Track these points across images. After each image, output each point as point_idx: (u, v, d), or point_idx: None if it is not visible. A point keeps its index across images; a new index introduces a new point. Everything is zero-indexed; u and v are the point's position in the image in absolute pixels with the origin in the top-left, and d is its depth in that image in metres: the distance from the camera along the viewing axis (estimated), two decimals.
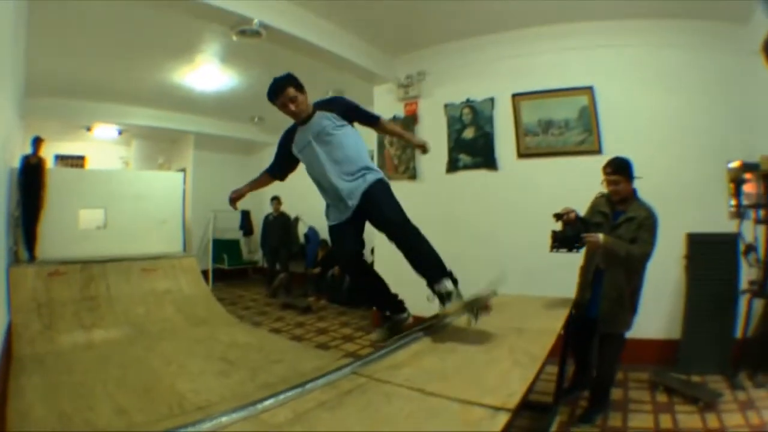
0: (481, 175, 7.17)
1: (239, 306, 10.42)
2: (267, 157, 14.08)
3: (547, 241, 4.18)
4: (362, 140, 3.82)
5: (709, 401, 4.45)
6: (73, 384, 5.06)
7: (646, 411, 4.45)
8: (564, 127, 6.34)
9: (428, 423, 1.79)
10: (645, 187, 4.47)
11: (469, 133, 7.25)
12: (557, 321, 3.52)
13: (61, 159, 13.92)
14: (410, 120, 7.92)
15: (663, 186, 5.27)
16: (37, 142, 8.47)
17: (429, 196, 7.61)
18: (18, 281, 6.87)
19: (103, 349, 6.34)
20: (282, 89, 3.58)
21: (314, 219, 12.21)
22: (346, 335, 8.01)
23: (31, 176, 8.21)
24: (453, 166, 7.48)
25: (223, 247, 13.76)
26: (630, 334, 4.56)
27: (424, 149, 4.14)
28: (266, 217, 12.05)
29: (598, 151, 6.08)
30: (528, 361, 2.46)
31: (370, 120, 3.95)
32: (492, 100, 7.00)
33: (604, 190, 4.42)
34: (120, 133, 13.78)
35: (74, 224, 9.22)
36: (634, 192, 4.27)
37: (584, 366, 4.91)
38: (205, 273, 9.65)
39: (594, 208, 4.50)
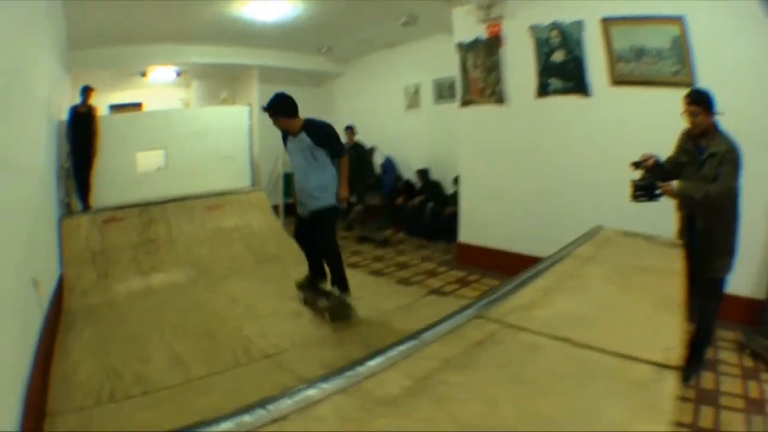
0: (573, 100, 6.55)
1: None
2: (337, 89, 13.86)
3: (628, 190, 4.06)
4: (329, 170, 5.00)
5: None
6: (126, 335, 4.69)
7: (735, 375, 4.18)
8: (657, 56, 5.77)
9: (590, 386, 1.44)
10: (736, 127, 4.10)
11: (558, 57, 6.66)
12: (676, 261, 3.14)
13: (116, 108, 13.52)
14: (493, 42, 7.31)
15: (756, 128, 4.94)
16: (86, 91, 8.02)
17: (516, 123, 7.18)
18: (70, 233, 6.52)
19: (162, 295, 5.96)
20: (271, 113, 4.97)
21: (391, 148, 11.75)
22: (428, 270, 7.54)
23: (81, 125, 7.82)
24: (543, 90, 6.85)
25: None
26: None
27: (341, 196, 5.12)
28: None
29: (692, 84, 5.36)
30: (670, 304, 2.15)
31: (335, 152, 5.04)
32: (581, 23, 6.33)
33: (686, 124, 4.13)
34: (178, 74, 13.29)
35: (132, 168, 8.64)
36: (715, 126, 3.94)
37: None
38: (275, 208, 9.11)
39: (680, 146, 4.21)
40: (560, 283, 2.58)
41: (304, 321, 4.85)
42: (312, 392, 1.35)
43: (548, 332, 1.83)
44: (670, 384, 1.42)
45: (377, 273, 7.37)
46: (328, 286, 5.10)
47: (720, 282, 4.00)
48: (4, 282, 2.75)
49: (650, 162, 4.04)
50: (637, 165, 4.07)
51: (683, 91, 4.74)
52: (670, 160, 4.17)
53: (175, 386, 3.63)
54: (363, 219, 10.69)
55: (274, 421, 1.24)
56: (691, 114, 3.93)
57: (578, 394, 1.41)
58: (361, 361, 1.55)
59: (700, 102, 3.89)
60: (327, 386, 1.39)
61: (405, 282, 6.88)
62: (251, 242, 7.65)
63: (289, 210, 11.81)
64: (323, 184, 4.92)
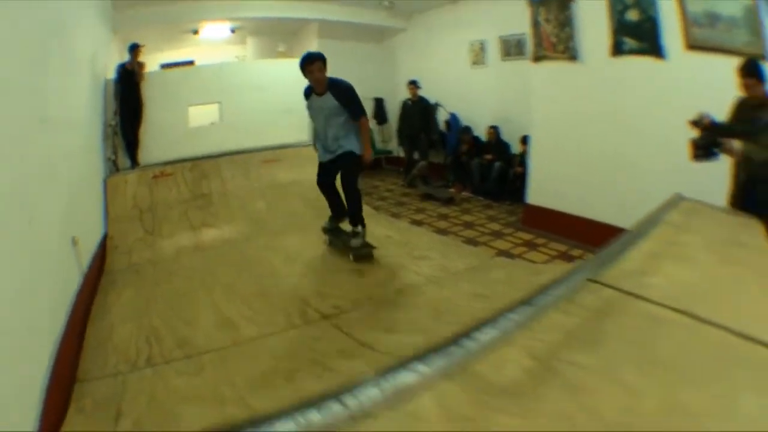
0: (648, 63, 6.25)
1: (374, 197, 9.82)
2: (399, 45, 13.61)
3: (688, 150, 4.22)
4: (353, 127, 5.24)
5: None
6: (171, 295, 4.51)
7: None
8: (731, 24, 5.51)
9: (729, 374, 1.23)
10: None
11: (633, 15, 6.41)
12: (761, 237, 2.96)
13: (167, 67, 13.25)
14: None
15: None
16: (134, 49, 7.93)
17: (590, 81, 6.95)
18: (116, 190, 6.41)
19: (213, 252, 5.71)
20: (314, 60, 5.05)
21: (456, 106, 11.42)
22: (494, 231, 7.37)
23: (128, 83, 7.76)
24: (618, 49, 6.59)
25: None
26: None
27: (365, 157, 5.31)
28: (404, 103, 11.17)
29: (764, 56, 5.12)
30: None
31: (356, 113, 5.20)
32: None
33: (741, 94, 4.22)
34: (233, 31, 13.21)
35: (183, 123, 8.61)
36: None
37: None
38: None
39: (735, 115, 4.26)
40: (663, 249, 2.44)
41: (367, 280, 4.53)
42: (407, 377, 0.93)
43: (670, 304, 1.68)
44: None
45: (442, 231, 7.19)
46: (347, 226, 5.47)
47: None
48: (39, 240, 2.73)
49: (706, 121, 4.16)
50: (695, 124, 4.20)
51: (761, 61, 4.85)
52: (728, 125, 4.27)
53: (222, 349, 3.37)
54: (426, 176, 10.46)
55: (353, 419, 0.83)
56: (748, 87, 4.07)
57: (717, 381, 1.25)
58: (467, 333, 1.15)
59: (755, 74, 4.04)
60: (427, 369, 1.01)
61: (471, 242, 6.69)
62: (309, 197, 7.19)
63: None
64: (348, 134, 5.25)
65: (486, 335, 1.17)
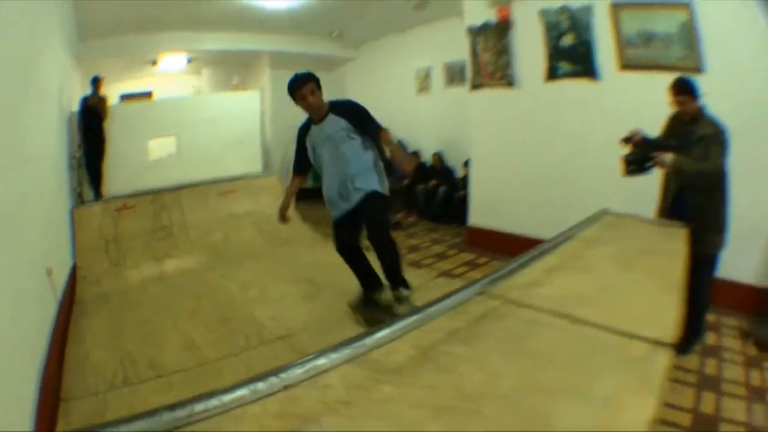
0: (582, 84, 6.61)
1: (324, 225, 9.78)
2: (349, 73, 13.73)
3: (620, 166, 4.28)
4: (371, 153, 4.36)
5: None
6: (139, 321, 4.75)
7: (738, 362, 4.28)
8: (665, 41, 5.87)
9: (588, 360, 1.53)
10: (742, 113, 4.67)
11: (567, 40, 6.73)
12: (681, 244, 3.23)
13: (127, 97, 13.58)
14: (503, 25, 7.34)
15: (763, 114, 5.09)
16: (96, 81, 8.07)
17: (527, 105, 7.24)
18: (83, 222, 6.59)
19: (175, 281, 6.01)
20: (304, 83, 4.07)
21: (402, 130, 11.67)
22: (438, 253, 7.65)
23: (92, 116, 7.89)
24: (552, 73, 6.93)
25: None
26: (725, 275, 4.74)
27: (408, 168, 4.38)
28: None
29: (699, 69, 5.56)
30: (670, 286, 2.23)
31: (375, 128, 4.29)
32: (590, 7, 6.39)
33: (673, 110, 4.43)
34: (189, 62, 13.46)
35: (144, 156, 8.88)
36: (701, 110, 4.18)
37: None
38: None
39: (668, 130, 4.50)
40: (564, 263, 2.65)
41: (317, 304, 4.89)
42: (321, 361, 1.41)
43: (549, 308, 1.91)
44: (663, 360, 1.49)
45: None
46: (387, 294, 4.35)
47: (715, 258, 4.23)
48: (20, 270, 2.82)
49: (638, 137, 4.27)
50: (627, 140, 4.29)
51: (691, 76, 4.99)
52: (659, 140, 4.42)
53: (189, 369, 3.69)
54: None
55: (286, 388, 1.30)
56: (680, 103, 4.19)
57: (576, 367, 1.48)
58: (369, 333, 1.61)
59: (686, 91, 4.15)
60: (336, 356, 1.44)
61: (416, 265, 6.91)
62: (264, 227, 7.64)
63: (300, 195, 12.02)
64: (368, 168, 4.27)
65: (382, 334, 1.61)
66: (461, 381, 1.37)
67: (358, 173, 4.15)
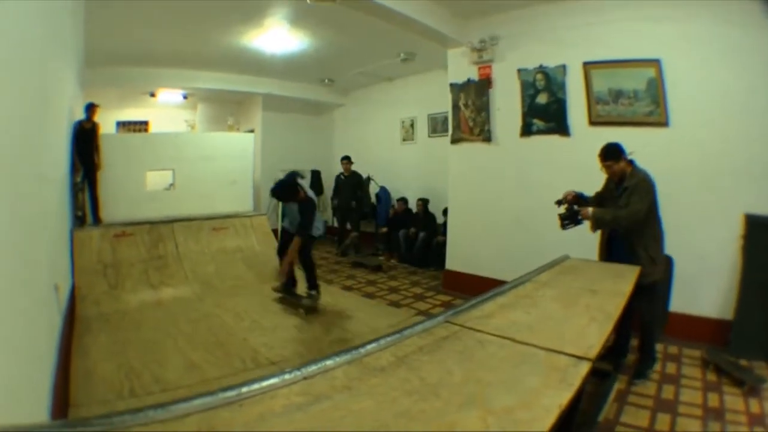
0: (554, 140, 7.11)
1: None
2: (338, 118, 14.35)
3: (558, 222, 4.91)
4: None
5: (754, 386, 4.48)
6: (141, 341, 5.04)
7: (696, 388, 4.53)
8: (633, 98, 6.27)
9: (520, 367, 1.98)
10: (706, 163, 5.60)
11: (542, 99, 7.18)
12: (626, 284, 3.67)
13: (123, 125, 13.99)
14: (484, 83, 7.81)
15: (725, 163, 5.59)
16: (90, 108, 8.11)
17: (503, 159, 7.72)
18: (83, 244, 6.86)
19: (172, 307, 6.35)
20: (291, 194, 6.17)
21: (386, 177, 12.18)
22: (417, 294, 8.02)
23: (84, 141, 7.90)
24: (527, 130, 7.42)
25: None
26: (685, 310, 5.66)
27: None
28: (338, 177, 11.96)
29: (665, 123, 6.01)
30: (603, 318, 2.71)
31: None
32: (564, 67, 6.90)
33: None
34: (185, 97, 13.74)
35: (141, 186, 9.07)
36: (631, 163, 4.72)
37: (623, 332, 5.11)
38: (274, 232, 9.42)
39: (606, 185, 4.97)
40: (516, 301, 3.12)
41: (306, 334, 5.27)
42: (329, 362, 1.93)
43: (498, 333, 2.39)
44: (583, 370, 1.93)
45: (369, 296, 7.77)
46: (300, 290, 6.54)
47: (653, 286, 4.65)
48: (37, 284, 3.01)
49: (570, 197, 4.92)
50: (559, 202, 4.96)
51: (657, 131, 6.01)
52: (598, 194, 5.02)
53: (192, 386, 3.94)
54: (357, 245, 11.17)
55: (305, 378, 1.81)
56: (607, 168, 4.72)
57: (510, 371, 1.94)
58: (362, 345, 2.13)
59: (610, 157, 4.67)
60: (339, 359, 1.96)
61: (395, 304, 7.28)
62: (253, 263, 8.06)
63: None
64: (298, 221, 6.19)
65: (371, 346, 2.12)
66: (426, 376, 1.86)
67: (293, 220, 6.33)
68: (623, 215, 4.52)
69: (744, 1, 5.46)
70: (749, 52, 5.52)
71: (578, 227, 4.86)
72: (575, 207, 4.87)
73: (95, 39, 8.35)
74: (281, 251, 6.50)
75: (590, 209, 4.75)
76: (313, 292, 6.36)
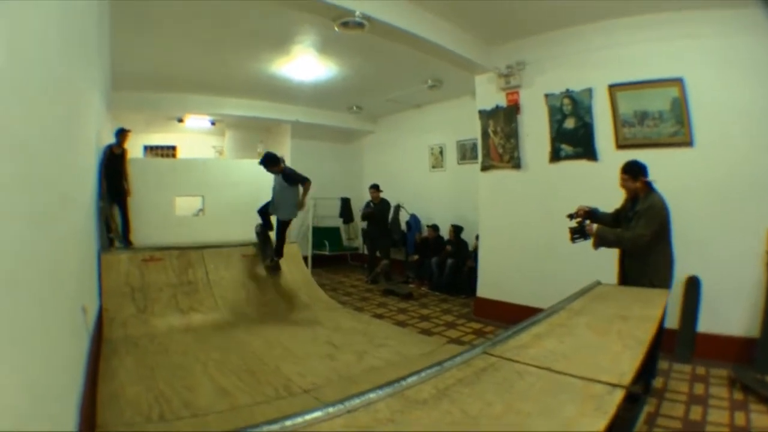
0: (582, 165, 7.14)
1: (340, 292, 10.29)
2: (366, 145, 14.38)
3: (569, 235, 5.08)
4: (292, 196, 7.86)
5: None
6: (169, 365, 4.98)
7: (724, 408, 4.47)
8: (658, 119, 6.29)
9: (557, 396, 1.98)
10: (731, 179, 5.59)
11: (569, 123, 7.22)
12: (656, 309, 3.70)
13: (151, 149, 14.19)
14: (512, 109, 7.88)
15: (747, 179, 5.59)
16: (121, 133, 8.34)
17: (531, 186, 7.76)
18: (110, 267, 6.82)
19: (201, 333, 6.29)
20: (274, 164, 7.86)
21: (416, 204, 12.19)
22: (448, 322, 7.95)
23: (114, 166, 8.11)
24: (555, 155, 7.45)
25: (323, 234, 13.73)
26: (712, 330, 5.72)
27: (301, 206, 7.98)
28: (367, 205, 11.75)
29: (690, 143, 6.04)
30: (635, 344, 2.74)
31: (300, 181, 7.77)
32: (590, 90, 6.94)
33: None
34: (213, 123, 13.98)
35: (170, 211, 9.29)
36: (648, 187, 4.75)
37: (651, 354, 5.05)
38: (305, 259, 9.41)
39: (623, 204, 5.05)
40: (551, 330, 3.14)
41: (338, 363, 5.14)
42: (372, 395, 1.92)
43: (535, 363, 2.40)
44: (617, 397, 1.92)
45: (401, 323, 7.69)
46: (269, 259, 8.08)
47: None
48: (64, 304, 2.97)
49: (582, 211, 5.09)
50: (571, 216, 5.11)
51: (682, 151, 6.05)
52: (616, 212, 5.12)
53: (222, 412, 3.85)
54: (388, 273, 11.07)
55: (349, 412, 1.79)
56: (623, 180, 4.84)
57: (548, 400, 1.93)
58: (404, 378, 2.13)
59: (627, 171, 4.79)
60: (381, 392, 1.96)
61: (427, 332, 7.19)
62: (284, 290, 8.04)
63: (316, 261, 12.26)
64: (283, 207, 7.86)
65: (412, 379, 2.12)
66: (466, 408, 1.85)
67: (281, 206, 7.89)
68: (626, 238, 4.64)
69: (763, 17, 5.48)
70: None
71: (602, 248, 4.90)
72: (586, 222, 5.02)
73: (123, 63, 8.51)
74: (261, 211, 8.35)
75: (595, 226, 4.91)
76: (276, 258, 8.04)
